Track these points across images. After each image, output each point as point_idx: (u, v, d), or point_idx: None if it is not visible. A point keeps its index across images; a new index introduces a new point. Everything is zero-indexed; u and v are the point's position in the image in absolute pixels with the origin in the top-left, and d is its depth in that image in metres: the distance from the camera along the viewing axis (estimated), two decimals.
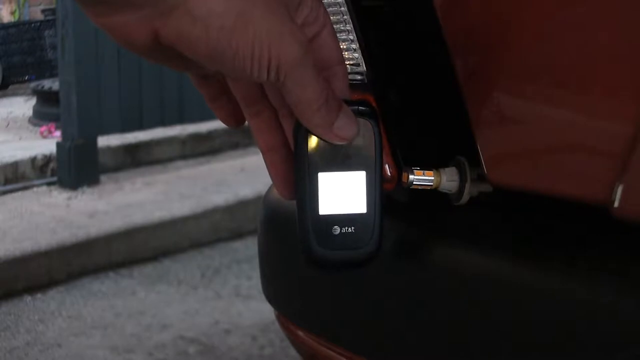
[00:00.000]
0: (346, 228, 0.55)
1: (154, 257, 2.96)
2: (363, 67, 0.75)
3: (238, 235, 3.19)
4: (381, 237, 0.56)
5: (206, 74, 0.55)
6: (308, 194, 0.55)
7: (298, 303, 0.87)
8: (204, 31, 0.45)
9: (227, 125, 0.58)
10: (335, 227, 0.55)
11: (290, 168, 0.56)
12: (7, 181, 3.71)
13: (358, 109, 0.54)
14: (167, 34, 0.46)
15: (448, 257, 0.69)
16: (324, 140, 0.53)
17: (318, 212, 0.55)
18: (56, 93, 3.99)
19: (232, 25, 0.46)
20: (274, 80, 0.48)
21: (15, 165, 3.77)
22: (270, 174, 0.57)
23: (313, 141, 0.53)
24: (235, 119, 0.57)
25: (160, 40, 0.47)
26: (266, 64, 0.47)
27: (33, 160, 3.83)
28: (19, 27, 6.81)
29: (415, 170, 0.68)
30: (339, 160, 0.54)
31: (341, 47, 0.56)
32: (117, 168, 3.93)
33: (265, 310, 2.14)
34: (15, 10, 8.75)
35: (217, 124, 4.25)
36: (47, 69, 6.50)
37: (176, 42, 0.47)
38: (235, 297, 2.58)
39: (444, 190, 0.70)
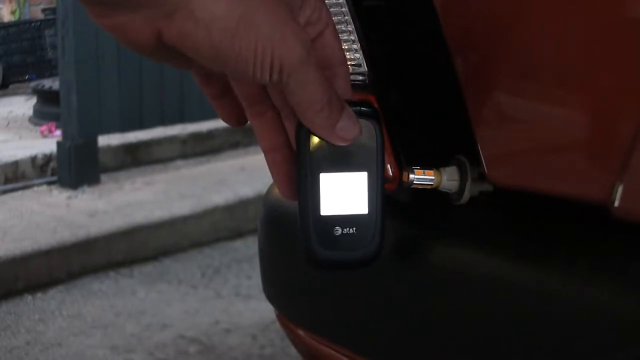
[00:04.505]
0: (348, 229, 0.55)
1: (154, 256, 2.97)
2: (364, 68, 0.75)
3: (238, 234, 3.19)
4: (382, 238, 0.56)
5: (209, 72, 0.55)
6: (310, 194, 0.55)
7: (298, 302, 0.87)
8: (206, 33, 0.45)
9: (230, 124, 0.59)
10: (337, 227, 0.55)
11: (292, 168, 0.56)
12: (7, 180, 3.71)
13: (360, 109, 0.54)
14: (170, 35, 0.46)
15: (448, 257, 0.69)
16: (326, 141, 0.53)
17: (320, 212, 0.55)
18: (56, 92, 3.99)
19: (235, 27, 0.46)
20: (277, 81, 0.48)
21: (15, 164, 3.77)
22: (272, 174, 0.57)
23: (315, 142, 0.53)
24: (237, 118, 0.57)
25: (163, 40, 0.47)
26: (269, 65, 0.47)
27: (33, 159, 3.83)
28: (19, 27, 6.81)
29: (415, 170, 0.68)
30: (341, 161, 0.54)
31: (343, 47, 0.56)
32: (118, 167, 3.93)
33: (265, 310, 2.15)
34: (15, 10, 8.75)
35: (217, 123, 4.25)
36: (47, 69, 6.50)
37: (179, 43, 0.47)
38: (236, 296, 2.58)
39: (445, 190, 0.70)
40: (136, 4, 0.45)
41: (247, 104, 0.56)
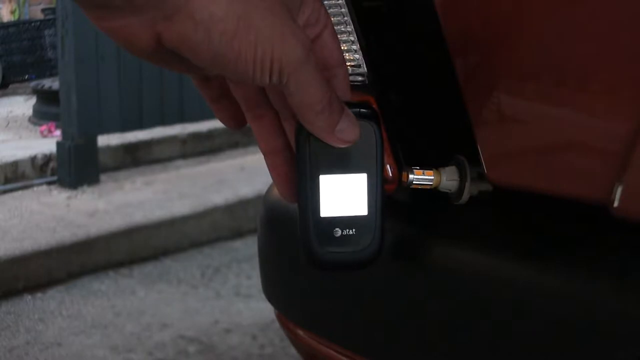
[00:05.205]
0: (347, 230, 0.55)
1: (154, 256, 2.97)
2: (364, 69, 0.75)
3: (238, 234, 3.19)
4: (382, 239, 0.56)
5: (208, 76, 0.55)
6: (309, 196, 0.55)
7: (298, 302, 0.87)
8: (205, 35, 0.45)
9: (228, 127, 0.58)
10: (337, 229, 0.55)
11: (292, 170, 0.56)
12: (7, 180, 3.71)
13: (359, 111, 0.54)
14: (170, 37, 0.46)
15: (448, 257, 0.69)
16: (325, 142, 0.53)
17: (319, 214, 0.55)
18: (56, 92, 3.99)
19: (234, 29, 0.45)
20: (277, 82, 0.48)
21: (15, 164, 3.77)
22: (272, 176, 0.57)
23: (315, 144, 0.53)
24: (236, 121, 0.57)
25: (163, 43, 0.47)
26: (268, 67, 0.47)
27: (33, 159, 3.83)
28: (19, 27, 6.82)
29: (415, 170, 0.68)
30: (341, 162, 0.54)
31: (342, 48, 0.56)
32: (117, 167, 3.93)
33: (265, 310, 2.15)
34: (15, 10, 8.75)
35: (217, 123, 4.23)
36: (47, 68, 6.51)
37: (178, 46, 0.46)
38: (235, 296, 2.58)
39: (444, 190, 0.70)
40: (135, 7, 0.45)
41: (246, 107, 0.56)
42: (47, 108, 4.78)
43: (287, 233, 0.84)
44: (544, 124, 0.63)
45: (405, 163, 0.72)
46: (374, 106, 0.57)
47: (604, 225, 0.61)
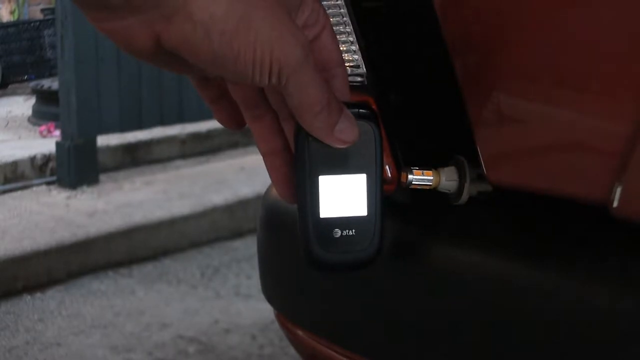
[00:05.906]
0: (347, 231, 0.55)
1: (154, 256, 2.97)
2: (363, 69, 0.75)
3: (238, 234, 3.19)
4: (382, 240, 0.56)
5: (207, 77, 0.55)
6: (309, 197, 0.55)
7: (297, 303, 0.87)
8: (205, 36, 0.45)
9: (227, 127, 0.58)
10: (336, 229, 0.55)
11: (291, 171, 0.56)
12: (6, 180, 3.72)
13: (358, 111, 0.54)
14: (169, 38, 0.46)
15: (447, 257, 0.69)
16: (324, 143, 0.53)
17: (319, 215, 0.55)
18: (55, 92, 3.99)
19: (234, 30, 0.45)
20: (276, 83, 0.48)
21: (14, 164, 3.77)
22: (271, 177, 0.57)
23: (314, 144, 0.53)
24: (235, 121, 0.57)
25: (162, 44, 0.47)
26: (267, 68, 0.47)
27: (32, 159, 3.83)
28: (19, 27, 6.83)
29: (414, 170, 0.68)
30: (340, 163, 0.54)
31: (341, 48, 0.56)
32: (117, 167, 3.94)
33: (264, 310, 2.14)
34: (14, 10, 8.76)
35: (216, 124, 4.19)
36: (47, 69, 6.52)
37: (178, 47, 0.46)
38: (235, 296, 2.58)
39: (443, 190, 0.69)
40: (133, 7, 0.45)
41: (244, 108, 0.56)
42: (47, 108, 4.78)
43: (287, 233, 0.84)
44: (543, 124, 0.63)
45: (405, 163, 0.72)
46: (373, 106, 0.57)
47: (604, 225, 0.61)
